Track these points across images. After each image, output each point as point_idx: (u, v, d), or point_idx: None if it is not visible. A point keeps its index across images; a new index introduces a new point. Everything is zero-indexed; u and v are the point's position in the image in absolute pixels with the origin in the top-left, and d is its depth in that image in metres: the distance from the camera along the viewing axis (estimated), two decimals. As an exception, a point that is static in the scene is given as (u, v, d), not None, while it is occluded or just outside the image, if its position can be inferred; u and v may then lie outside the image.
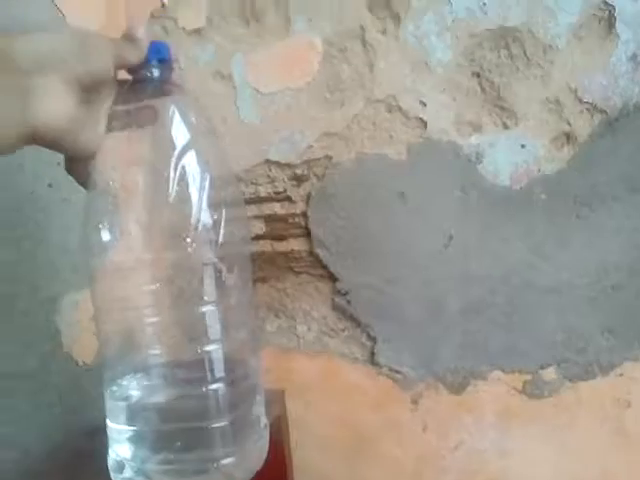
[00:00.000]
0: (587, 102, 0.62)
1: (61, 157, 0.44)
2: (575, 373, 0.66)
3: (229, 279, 0.46)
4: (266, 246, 0.78)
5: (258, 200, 0.77)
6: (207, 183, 0.45)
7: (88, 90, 0.37)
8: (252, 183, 0.76)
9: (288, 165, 0.74)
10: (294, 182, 0.74)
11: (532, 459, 0.69)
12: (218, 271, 0.46)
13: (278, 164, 0.75)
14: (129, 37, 0.41)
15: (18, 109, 0.32)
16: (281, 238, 0.77)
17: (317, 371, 0.77)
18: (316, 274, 0.76)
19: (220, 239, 0.45)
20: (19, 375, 0.58)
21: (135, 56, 0.41)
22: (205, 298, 0.45)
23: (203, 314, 0.45)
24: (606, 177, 0.62)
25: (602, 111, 0.62)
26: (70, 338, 0.66)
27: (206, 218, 0.44)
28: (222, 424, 0.45)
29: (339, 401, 0.76)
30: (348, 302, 0.74)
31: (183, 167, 0.44)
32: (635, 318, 0.63)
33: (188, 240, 0.44)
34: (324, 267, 0.75)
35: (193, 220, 0.44)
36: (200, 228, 0.44)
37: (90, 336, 0.70)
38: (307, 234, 0.75)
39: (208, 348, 0.45)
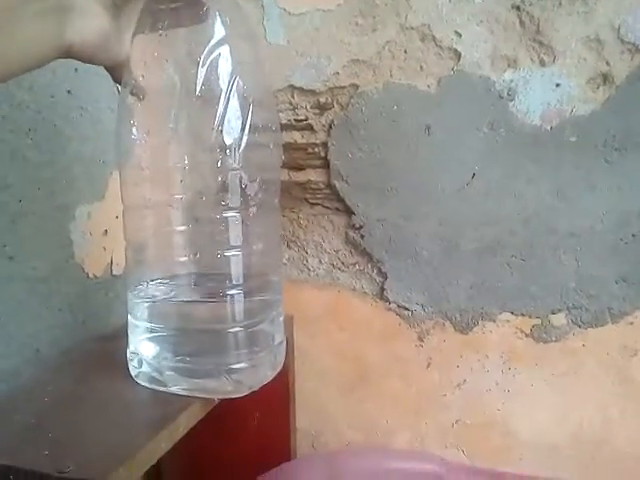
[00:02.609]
0: (629, 42, 0.60)
1: (78, 63, 0.43)
2: (585, 319, 0.66)
3: (250, 188, 0.45)
4: (283, 175, 0.76)
5: (278, 127, 0.75)
6: (235, 88, 0.43)
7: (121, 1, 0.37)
8: (273, 109, 0.75)
9: (312, 92, 0.72)
10: (317, 110, 0.73)
11: (534, 402, 0.69)
12: (239, 178, 0.45)
13: (302, 90, 0.73)
14: None
15: (56, 27, 0.32)
16: (299, 168, 0.76)
17: (325, 304, 0.77)
18: (331, 207, 0.75)
19: (242, 145, 0.44)
20: (32, 278, 0.58)
21: None
22: (224, 203, 0.44)
23: (223, 219, 0.45)
24: (640, 122, 0.61)
25: (644, 53, 0.60)
26: (81, 249, 0.66)
27: (230, 121, 0.43)
28: (235, 330, 0.45)
29: (345, 334, 0.77)
30: (362, 237, 0.74)
31: (213, 68, 0.43)
32: (652, 268, 0.63)
33: (210, 143, 0.43)
34: (340, 200, 0.74)
35: (216, 122, 0.43)
36: (223, 131, 0.43)
37: (100, 250, 0.69)
38: (326, 165, 0.74)
39: (227, 253, 0.45)
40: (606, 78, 0.61)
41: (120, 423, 0.41)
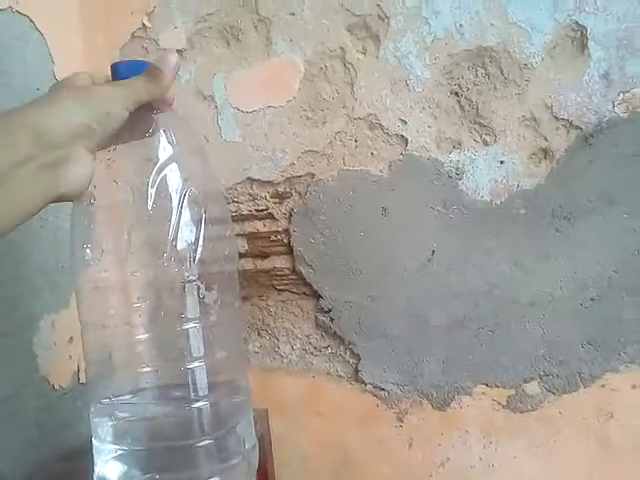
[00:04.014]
0: (563, 119, 0.64)
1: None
2: (558, 386, 0.66)
3: (208, 297, 0.46)
4: (248, 264, 0.77)
5: (240, 218, 0.76)
6: (186, 200, 0.45)
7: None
8: (234, 201, 0.76)
9: (270, 183, 0.74)
10: (276, 200, 0.74)
11: (518, 474, 0.68)
12: (196, 289, 0.45)
13: (260, 182, 0.75)
14: (154, 72, 0.40)
15: (50, 181, 0.33)
16: (263, 256, 0.77)
17: (301, 390, 0.76)
18: (299, 292, 0.76)
19: (197, 256, 0.44)
20: (-6, 400, 0.57)
21: (155, 94, 0.40)
22: (183, 316, 0.45)
23: (183, 332, 0.45)
24: (584, 191, 0.64)
25: (577, 127, 0.63)
26: (46, 361, 0.65)
27: (183, 235, 0.44)
28: (205, 443, 0.45)
29: (323, 420, 0.75)
30: (331, 320, 0.74)
31: (162, 184, 0.44)
32: (615, 329, 0.64)
33: (165, 257, 0.44)
34: (307, 285, 0.75)
35: (170, 237, 0.43)
36: (177, 245, 0.44)
37: (66, 359, 0.68)
38: (290, 252, 0.75)
39: (190, 366, 0.45)
40: (546, 153, 0.65)
41: None
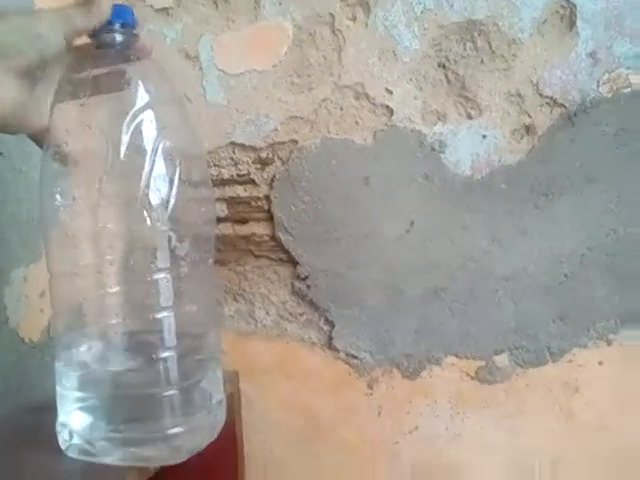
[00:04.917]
0: (547, 96, 0.64)
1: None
2: (527, 359, 0.67)
3: (179, 249, 0.45)
4: (227, 229, 0.77)
5: (221, 182, 0.76)
6: (161, 150, 0.44)
7: (37, 70, 0.38)
8: (215, 165, 0.75)
9: (253, 148, 0.73)
10: (258, 165, 0.74)
11: (484, 444, 0.69)
12: (168, 239, 0.45)
13: (242, 146, 0.74)
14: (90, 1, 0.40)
15: None
16: (243, 221, 0.76)
17: (274, 355, 0.76)
18: (276, 258, 0.76)
19: (170, 206, 0.44)
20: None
21: (92, 22, 0.40)
22: (153, 265, 0.44)
23: (153, 281, 0.44)
24: (564, 169, 0.64)
25: (561, 105, 0.64)
26: (17, 314, 0.64)
27: (156, 184, 0.44)
28: (170, 393, 0.45)
29: (295, 386, 0.76)
30: (307, 287, 0.74)
31: (136, 132, 0.43)
32: (585, 306, 0.65)
33: (137, 205, 0.43)
34: (285, 251, 0.74)
35: (142, 185, 0.43)
36: (149, 194, 0.43)
37: (37, 313, 0.67)
38: (269, 218, 0.75)
39: (159, 315, 0.44)
40: (529, 129, 0.65)
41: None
